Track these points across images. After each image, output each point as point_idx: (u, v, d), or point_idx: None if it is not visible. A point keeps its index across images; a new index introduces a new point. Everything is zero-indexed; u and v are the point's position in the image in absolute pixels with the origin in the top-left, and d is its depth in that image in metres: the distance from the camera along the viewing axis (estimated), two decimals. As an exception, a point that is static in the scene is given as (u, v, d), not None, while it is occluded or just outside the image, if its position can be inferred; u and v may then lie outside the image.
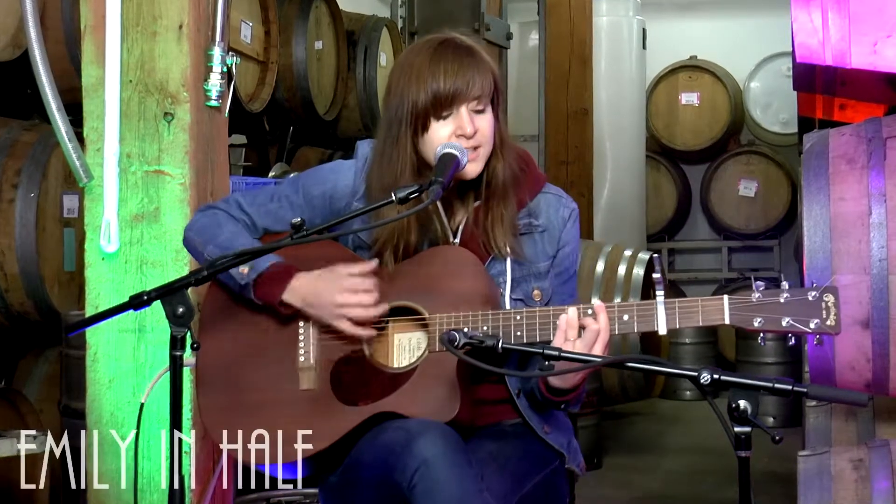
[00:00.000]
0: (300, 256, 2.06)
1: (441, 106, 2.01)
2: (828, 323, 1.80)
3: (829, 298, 1.80)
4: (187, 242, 2.17)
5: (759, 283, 1.85)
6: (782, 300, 1.82)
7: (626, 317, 1.90)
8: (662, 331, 1.88)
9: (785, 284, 1.83)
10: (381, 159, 2.08)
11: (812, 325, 1.80)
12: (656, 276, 1.88)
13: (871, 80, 2.73)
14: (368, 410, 1.97)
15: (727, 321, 1.84)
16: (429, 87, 2.01)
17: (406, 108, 2.03)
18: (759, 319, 1.82)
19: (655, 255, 1.98)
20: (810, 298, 1.81)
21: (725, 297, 1.86)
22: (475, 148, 2.03)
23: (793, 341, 1.85)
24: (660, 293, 1.88)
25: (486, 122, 2.04)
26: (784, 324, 1.81)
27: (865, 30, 2.42)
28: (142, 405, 1.98)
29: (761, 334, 1.85)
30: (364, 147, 2.17)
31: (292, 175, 2.22)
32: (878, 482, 2.39)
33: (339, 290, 2.00)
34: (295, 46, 4.57)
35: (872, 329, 2.35)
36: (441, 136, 2.02)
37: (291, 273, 2.03)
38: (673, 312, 1.88)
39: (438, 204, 2.08)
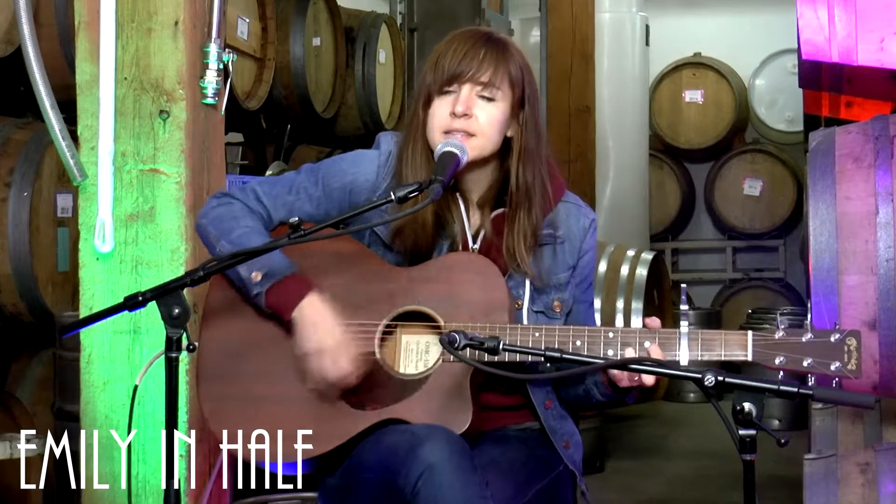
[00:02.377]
0: (311, 251, 2.02)
1: (445, 80, 2.00)
2: (849, 367, 1.82)
3: (852, 342, 1.82)
4: (201, 230, 2.12)
5: (782, 320, 1.88)
6: (805, 339, 1.83)
7: (647, 343, 1.90)
8: (683, 361, 1.89)
9: (808, 324, 1.86)
10: (403, 142, 2.08)
11: (833, 368, 1.82)
12: (683, 307, 1.89)
13: (877, 78, 2.74)
14: (376, 416, 1.93)
15: (749, 357, 1.87)
16: (439, 62, 2.01)
17: (421, 86, 2.05)
18: (780, 358, 1.84)
19: (683, 286, 2.00)
20: (833, 340, 1.83)
21: (749, 332, 1.87)
22: (467, 134, 1.99)
23: (812, 381, 1.86)
24: (684, 324, 1.89)
25: (488, 112, 2.01)
26: (805, 364, 1.83)
27: (872, 26, 2.41)
28: (136, 387, 1.91)
29: (781, 373, 1.86)
30: (387, 139, 2.14)
31: (310, 165, 2.17)
32: (885, 486, 2.38)
33: (340, 356, 1.95)
34: (292, 43, 4.56)
35: (879, 330, 2.32)
36: (440, 113, 2.01)
37: (307, 289, 1.99)
38: (696, 344, 1.89)
39: (462, 208, 2.07)
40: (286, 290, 1.98)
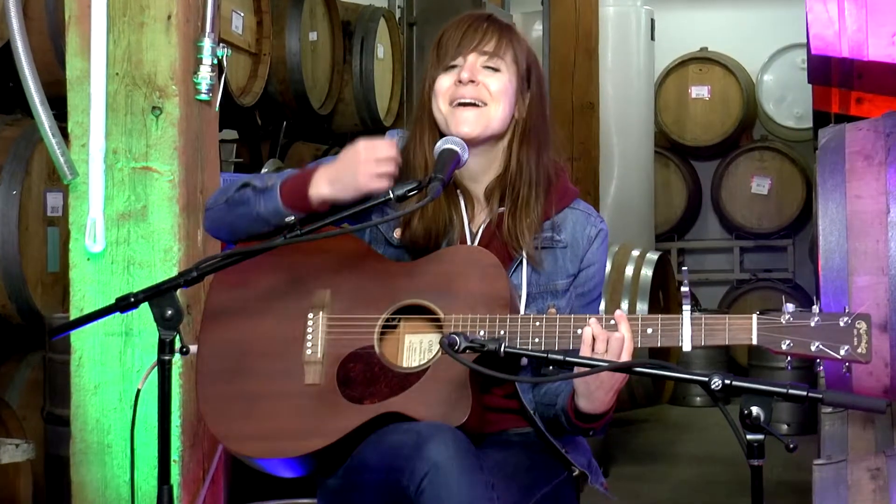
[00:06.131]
0: (310, 249, 2.01)
1: (448, 54, 1.99)
2: (858, 351, 1.78)
3: (862, 325, 1.79)
4: (213, 214, 2.10)
5: (788, 304, 1.83)
6: (812, 324, 1.80)
7: (649, 330, 1.88)
8: (687, 347, 1.86)
9: (816, 308, 1.81)
10: (410, 133, 2.08)
11: (842, 352, 1.78)
12: (684, 289, 1.87)
13: (889, 73, 2.73)
14: (374, 410, 1.90)
15: (755, 341, 1.83)
16: (441, 43, 2.01)
17: (426, 75, 2.04)
18: (787, 342, 1.81)
19: (684, 269, 1.98)
20: (842, 324, 1.79)
21: (754, 316, 1.84)
22: (477, 103, 1.98)
23: (820, 367, 1.82)
24: (686, 308, 1.86)
25: (496, 81, 2.00)
26: (813, 348, 1.80)
27: (883, 20, 2.41)
28: (138, 391, 1.90)
29: (788, 358, 1.83)
30: (392, 137, 2.12)
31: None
32: (896, 492, 2.34)
33: (363, 149, 1.96)
34: (288, 38, 4.55)
35: (891, 332, 2.29)
36: (445, 84, 1.99)
37: (312, 170, 2.01)
38: (699, 329, 1.85)
39: (461, 202, 2.05)
40: (294, 181, 2.00)
